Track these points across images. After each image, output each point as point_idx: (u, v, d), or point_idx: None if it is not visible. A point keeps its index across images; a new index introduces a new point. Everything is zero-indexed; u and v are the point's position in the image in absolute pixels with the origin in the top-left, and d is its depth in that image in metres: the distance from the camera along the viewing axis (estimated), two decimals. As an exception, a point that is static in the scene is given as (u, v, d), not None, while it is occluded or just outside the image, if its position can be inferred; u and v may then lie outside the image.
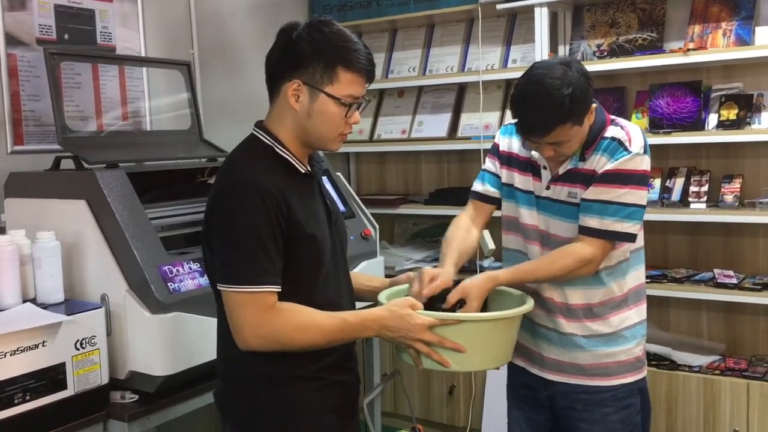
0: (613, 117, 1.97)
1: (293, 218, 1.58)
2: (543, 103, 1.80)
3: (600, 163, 1.89)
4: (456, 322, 1.67)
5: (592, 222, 1.87)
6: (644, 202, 1.90)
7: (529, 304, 1.82)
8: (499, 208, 2.13)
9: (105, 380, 2.03)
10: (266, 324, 1.56)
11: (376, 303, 1.81)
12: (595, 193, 1.88)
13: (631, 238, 1.90)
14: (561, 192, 1.95)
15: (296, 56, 1.60)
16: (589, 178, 1.90)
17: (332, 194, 1.99)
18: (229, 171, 1.65)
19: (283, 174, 1.63)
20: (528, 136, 1.88)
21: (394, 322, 1.64)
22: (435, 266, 1.95)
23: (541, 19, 3.23)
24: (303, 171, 1.67)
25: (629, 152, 1.87)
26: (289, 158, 1.65)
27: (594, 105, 1.89)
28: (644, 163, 1.89)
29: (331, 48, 1.59)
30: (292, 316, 1.58)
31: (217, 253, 1.61)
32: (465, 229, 2.07)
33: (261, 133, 1.67)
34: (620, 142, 1.88)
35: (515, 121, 1.90)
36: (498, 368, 1.90)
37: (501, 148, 2.10)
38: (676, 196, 3.17)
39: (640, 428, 2.02)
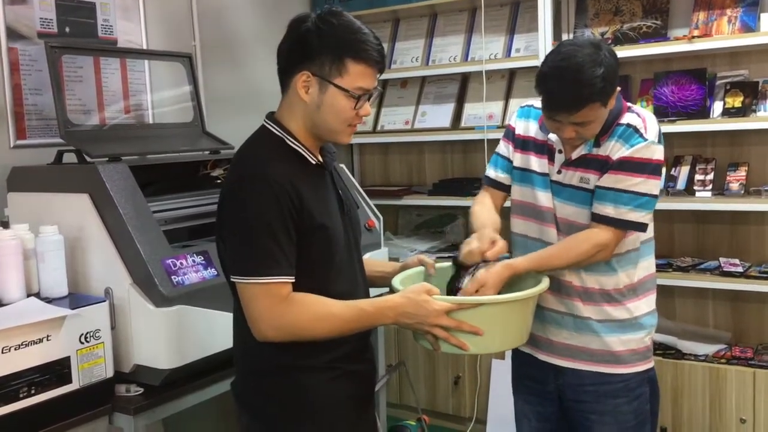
0: (629, 104, 1.96)
1: (305, 209, 1.58)
2: (575, 80, 1.77)
3: (615, 149, 1.88)
4: (473, 305, 1.66)
5: (607, 210, 1.86)
6: (657, 192, 1.90)
7: (545, 283, 1.81)
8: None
9: (110, 374, 2.03)
10: (282, 315, 1.56)
11: (390, 289, 1.81)
12: (610, 180, 1.87)
13: (642, 227, 1.90)
14: (572, 177, 1.94)
15: (305, 48, 1.59)
16: (603, 165, 1.89)
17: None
18: (240, 164, 1.66)
19: (294, 165, 1.62)
20: (555, 113, 1.84)
21: (411, 309, 1.63)
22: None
23: (545, 7, 3.21)
24: (314, 162, 1.67)
25: (644, 139, 1.86)
26: (300, 150, 1.65)
27: (618, 88, 1.88)
28: (658, 153, 1.88)
29: (339, 39, 1.58)
30: (307, 306, 1.58)
31: (229, 245, 1.62)
32: (490, 208, 2.07)
33: (272, 125, 1.67)
34: (636, 129, 1.88)
35: (540, 98, 1.86)
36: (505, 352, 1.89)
37: (517, 132, 2.07)
38: (681, 184, 3.16)
39: (650, 418, 2.02)
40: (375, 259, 1.97)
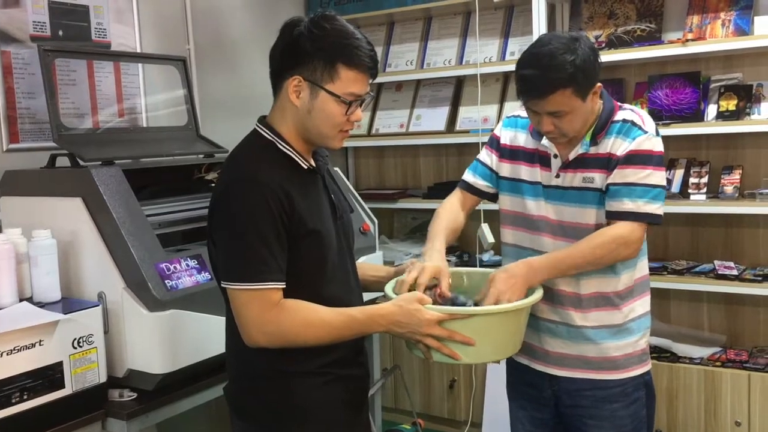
0: (620, 103, 1.96)
1: (296, 214, 1.57)
2: (546, 64, 1.79)
3: (615, 145, 1.88)
4: (465, 316, 1.65)
5: (626, 205, 1.84)
6: (665, 183, 1.89)
7: (538, 294, 1.80)
8: (485, 199, 2.12)
9: (103, 378, 2.02)
10: (272, 321, 1.56)
11: (383, 293, 1.80)
12: (621, 176, 1.86)
13: (659, 219, 1.87)
14: (573, 178, 1.93)
15: (297, 52, 1.59)
16: (605, 162, 1.88)
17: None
18: (232, 168, 1.65)
19: (285, 170, 1.62)
20: (528, 99, 1.86)
21: (403, 318, 1.62)
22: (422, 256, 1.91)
23: (539, 10, 3.21)
24: (306, 167, 1.66)
25: (644, 132, 1.87)
26: (291, 154, 1.64)
27: (599, 85, 1.88)
28: (659, 145, 1.89)
29: (331, 45, 1.58)
30: (297, 312, 1.57)
31: (220, 250, 1.61)
32: (454, 211, 2.07)
33: (263, 128, 1.66)
34: (633, 123, 1.88)
35: (517, 86, 1.87)
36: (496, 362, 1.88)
37: (502, 142, 2.07)
38: (675, 187, 3.16)
39: (646, 421, 2.01)
40: (369, 263, 1.96)
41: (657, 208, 1.86)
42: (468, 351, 1.65)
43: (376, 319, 1.63)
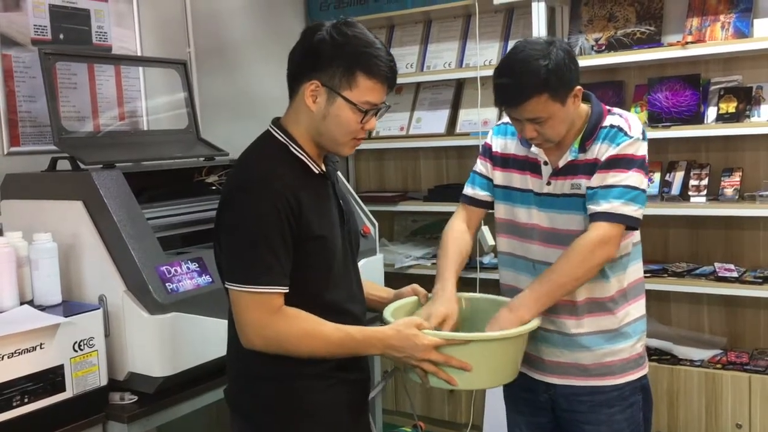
0: (609, 107, 1.96)
1: (303, 218, 1.57)
2: (519, 71, 1.79)
3: (601, 150, 1.88)
4: (463, 341, 1.66)
5: (601, 207, 1.83)
6: (645, 187, 1.88)
7: (535, 321, 1.80)
8: (489, 209, 2.11)
9: (104, 382, 2.02)
10: (270, 326, 1.56)
11: (381, 315, 1.81)
12: (598, 179, 1.86)
13: (636, 222, 1.86)
14: (563, 186, 1.92)
15: (317, 57, 1.59)
16: (592, 168, 1.88)
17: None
18: (242, 169, 1.65)
19: (296, 173, 1.62)
20: (505, 107, 1.87)
21: (400, 342, 1.63)
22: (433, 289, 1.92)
23: (539, 13, 3.21)
24: (317, 171, 1.66)
25: (630, 137, 1.86)
26: (303, 158, 1.64)
27: (579, 88, 1.87)
28: (643, 148, 1.88)
29: (352, 52, 1.58)
30: (297, 322, 1.58)
31: (226, 251, 1.61)
32: (460, 238, 2.05)
33: (277, 131, 1.66)
34: (620, 128, 1.88)
35: (494, 95, 1.87)
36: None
37: (494, 150, 2.06)
38: (675, 189, 3.16)
39: (643, 425, 2.01)
40: (372, 282, 1.97)
41: (635, 210, 1.84)
42: (464, 377, 1.66)
43: (372, 342, 1.63)
